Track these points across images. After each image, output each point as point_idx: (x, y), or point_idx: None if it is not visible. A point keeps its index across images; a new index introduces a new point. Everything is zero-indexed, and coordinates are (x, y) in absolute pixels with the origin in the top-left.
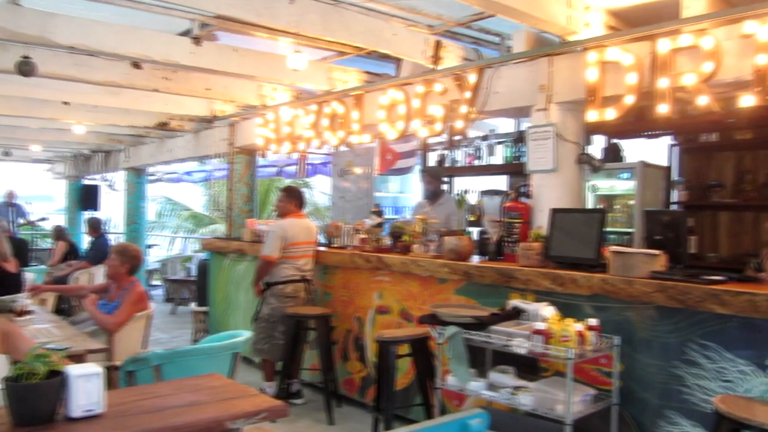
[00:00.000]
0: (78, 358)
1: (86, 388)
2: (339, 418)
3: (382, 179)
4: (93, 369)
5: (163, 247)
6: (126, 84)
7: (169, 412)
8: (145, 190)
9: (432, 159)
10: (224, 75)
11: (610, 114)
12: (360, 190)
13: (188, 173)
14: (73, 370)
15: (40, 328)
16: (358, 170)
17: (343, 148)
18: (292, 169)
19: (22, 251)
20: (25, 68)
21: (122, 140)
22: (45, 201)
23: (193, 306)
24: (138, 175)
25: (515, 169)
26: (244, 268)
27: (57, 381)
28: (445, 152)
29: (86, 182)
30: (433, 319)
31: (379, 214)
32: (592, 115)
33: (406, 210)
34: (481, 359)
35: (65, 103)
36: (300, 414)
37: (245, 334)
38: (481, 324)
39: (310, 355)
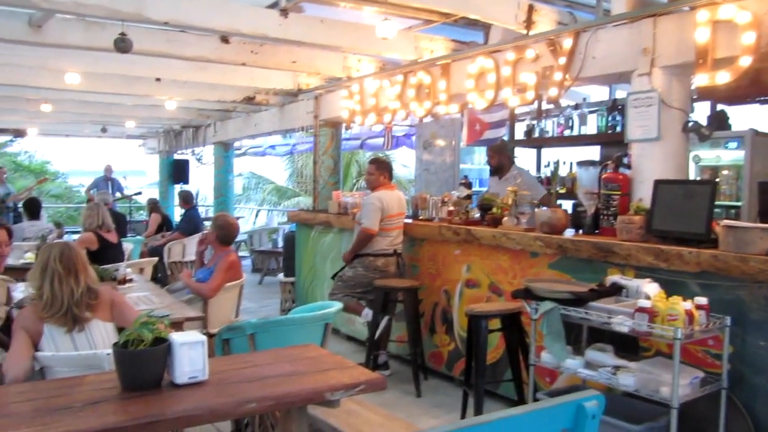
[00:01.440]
0: (177, 325)
1: (190, 355)
2: (426, 390)
3: (468, 151)
4: (196, 337)
5: (248, 219)
6: (215, 59)
7: (269, 382)
8: (232, 163)
9: (520, 130)
10: (310, 47)
11: (723, 77)
12: (444, 162)
13: (272, 147)
14: (177, 337)
15: (140, 295)
16: (442, 142)
17: (427, 120)
18: (375, 141)
19: (121, 223)
20: (122, 45)
21: (210, 115)
22: (138, 176)
23: (280, 277)
24: (225, 149)
25: (609, 139)
26: (330, 240)
27: (163, 348)
28: (534, 122)
29: (177, 157)
30: (527, 294)
31: (468, 186)
32: (701, 79)
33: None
34: (575, 336)
35: (158, 79)
36: (387, 386)
37: (337, 306)
38: (579, 300)
39: (396, 327)
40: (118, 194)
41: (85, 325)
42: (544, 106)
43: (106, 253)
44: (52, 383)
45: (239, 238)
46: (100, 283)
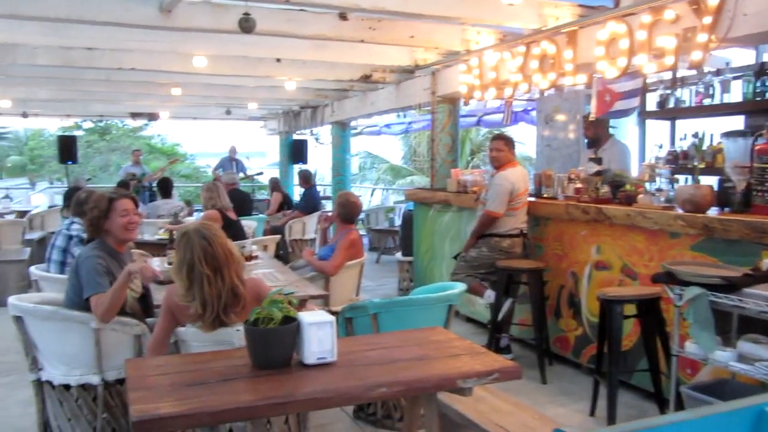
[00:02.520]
0: (300, 303)
1: (319, 335)
2: (551, 376)
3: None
4: (325, 317)
5: (364, 198)
6: (334, 36)
7: (399, 366)
8: (349, 143)
9: (651, 101)
10: (429, 20)
11: None
12: (567, 137)
13: (387, 126)
14: (306, 317)
15: (265, 272)
16: (565, 116)
17: (549, 93)
18: (492, 117)
19: (246, 202)
20: (246, 25)
21: (328, 95)
22: (259, 156)
23: (398, 256)
24: (342, 129)
25: (757, 107)
26: (449, 219)
27: (292, 327)
28: (668, 92)
29: (296, 137)
30: (669, 278)
31: (598, 161)
32: None
33: None
34: (724, 326)
35: (278, 60)
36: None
37: (461, 287)
38: (731, 286)
39: (519, 310)
40: (241, 174)
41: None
42: (680, 73)
43: (229, 231)
44: (187, 358)
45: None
46: (250, 276)
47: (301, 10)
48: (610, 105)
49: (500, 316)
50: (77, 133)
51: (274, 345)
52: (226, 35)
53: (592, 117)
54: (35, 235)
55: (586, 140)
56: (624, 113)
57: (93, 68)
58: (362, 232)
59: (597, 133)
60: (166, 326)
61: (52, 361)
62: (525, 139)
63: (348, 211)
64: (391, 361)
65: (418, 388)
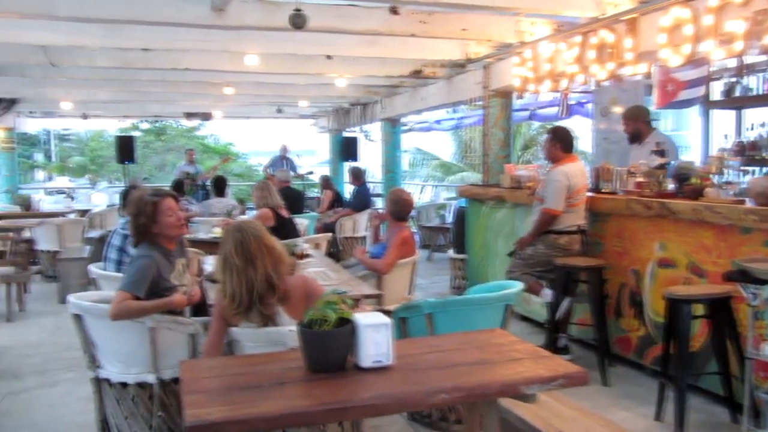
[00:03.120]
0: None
1: (375, 338)
2: (613, 378)
3: (652, 116)
4: (381, 319)
5: (414, 195)
6: (385, 31)
7: (458, 370)
8: (399, 139)
9: (716, 89)
10: (483, 12)
11: None
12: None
13: (438, 122)
14: (362, 319)
15: (317, 270)
16: (622, 108)
17: (606, 84)
18: (546, 111)
19: (298, 200)
20: (298, 21)
21: (378, 92)
22: (309, 155)
23: (450, 253)
24: (393, 126)
25: None
26: (503, 216)
27: (347, 329)
28: (734, 80)
29: (346, 135)
30: (744, 276)
31: (661, 153)
32: None
33: (681, 150)
34: None
35: (328, 57)
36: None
37: (518, 286)
38: None
39: (577, 309)
40: (292, 173)
41: (276, 320)
42: (747, 59)
43: (282, 230)
44: (240, 360)
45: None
46: (292, 273)
47: (352, 5)
48: (673, 95)
49: (558, 316)
50: (135, 133)
51: (329, 348)
52: (277, 33)
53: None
54: (95, 233)
55: (627, 136)
56: (689, 103)
57: (149, 69)
58: (413, 229)
59: (636, 128)
60: (218, 327)
61: (109, 359)
62: (579, 132)
63: (400, 209)
64: (451, 366)
65: (480, 395)
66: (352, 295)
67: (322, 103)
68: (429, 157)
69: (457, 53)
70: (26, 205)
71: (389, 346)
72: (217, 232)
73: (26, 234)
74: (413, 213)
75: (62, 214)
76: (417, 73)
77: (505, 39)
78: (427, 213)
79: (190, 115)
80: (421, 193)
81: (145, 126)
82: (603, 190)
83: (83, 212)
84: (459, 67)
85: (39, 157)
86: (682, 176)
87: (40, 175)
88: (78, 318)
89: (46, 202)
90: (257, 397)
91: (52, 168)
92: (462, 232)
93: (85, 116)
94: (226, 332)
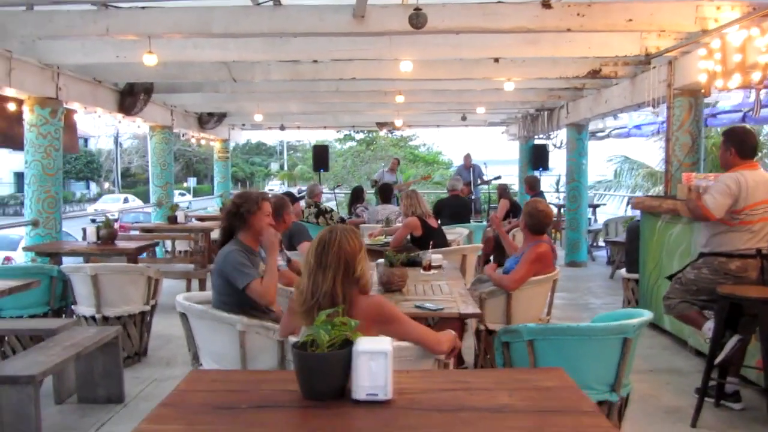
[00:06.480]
0: (451, 320)
1: (370, 366)
2: None
3: None
4: (381, 346)
5: (618, 206)
6: (536, 27)
7: (462, 416)
8: (585, 146)
9: None
10: None
11: None
12: None
13: (638, 127)
14: (360, 344)
15: (439, 284)
16: None
17: None
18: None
19: (463, 209)
20: (416, 21)
21: (561, 95)
22: (502, 164)
23: (623, 272)
24: (578, 132)
25: None
26: (679, 232)
27: (341, 354)
28: None
29: (537, 142)
30: None
31: None
32: None
33: None
34: None
35: (496, 60)
36: (733, 423)
37: (644, 317)
38: None
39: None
40: (478, 180)
41: None
42: None
43: (428, 239)
44: (248, 375)
45: (594, 227)
46: (376, 295)
47: (499, 2)
48: None
49: (722, 356)
50: (350, 144)
51: (318, 373)
52: (429, 37)
53: None
54: None
55: None
56: None
57: (321, 80)
58: (601, 243)
59: None
60: (287, 319)
61: (206, 357)
62: None
63: (536, 221)
64: (457, 410)
65: None
66: (445, 313)
67: (508, 109)
68: (637, 165)
69: (634, 48)
70: None
71: (386, 379)
72: (374, 240)
73: (214, 235)
74: (600, 227)
75: None
76: (595, 73)
77: (685, 28)
78: (616, 227)
79: (381, 125)
80: (627, 205)
81: (359, 137)
82: None
83: None
84: (643, 64)
85: (275, 166)
86: None
87: (275, 182)
88: (183, 317)
89: None
90: (219, 420)
91: (282, 175)
92: (636, 249)
93: (282, 127)
94: (294, 326)
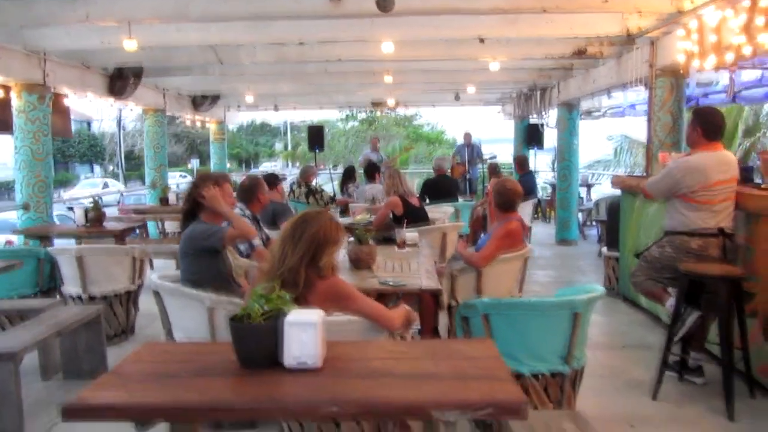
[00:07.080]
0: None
1: (300, 337)
2: (747, 412)
3: None
4: (310, 318)
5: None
6: (510, 8)
7: (385, 382)
8: (576, 125)
9: None
10: None
11: None
12: None
13: (632, 106)
14: (291, 316)
15: (410, 262)
16: None
17: None
18: (752, 92)
19: (448, 187)
20: (384, 4)
21: (552, 75)
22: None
23: (604, 250)
24: (569, 111)
25: None
26: (655, 211)
27: (270, 325)
28: None
29: (531, 122)
30: None
31: None
32: None
33: None
34: None
35: (481, 40)
36: (693, 397)
37: (594, 292)
38: None
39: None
40: (477, 159)
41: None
42: None
43: (409, 217)
44: (196, 347)
45: (588, 205)
46: (333, 276)
47: None
48: None
49: (681, 332)
50: (351, 123)
51: (252, 343)
52: (411, 18)
53: None
54: None
55: None
56: None
57: (308, 62)
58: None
59: None
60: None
61: (179, 333)
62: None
63: (506, 199)
64: (382, 376)
65: (373, 413)
66: (407, 288)
67: (498, 88)
68: (637, 144)
69: (616, 28)
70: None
71: (316, 348)
72: (357, 219)
73: None
74: (591, 205)
75: None
76: (581, 53)
77: (661, 8)
78: (606, 205)
79: (376, 104)
80: None
81: (362, 116)
82: (763, 186)
83: None
84: (629, 44)
85: (279, 146)
86: None
87: (267, 164)
88: (156, 295)
89: None
90: (157, 387)
91: (285, 155)
92: (615, 228)
93: (276, 108)
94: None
